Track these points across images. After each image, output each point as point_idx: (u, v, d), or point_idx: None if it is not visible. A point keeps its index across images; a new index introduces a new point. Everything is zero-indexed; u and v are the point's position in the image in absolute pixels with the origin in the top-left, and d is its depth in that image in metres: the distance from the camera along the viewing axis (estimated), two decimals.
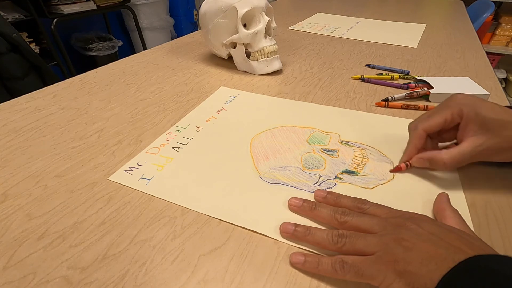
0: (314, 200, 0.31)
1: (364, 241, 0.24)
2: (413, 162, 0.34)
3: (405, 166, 0.34)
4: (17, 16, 1.55)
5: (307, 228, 0.27)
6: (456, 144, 0.33)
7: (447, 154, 0.32)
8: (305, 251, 0.27)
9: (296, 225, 0.28)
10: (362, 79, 0.59)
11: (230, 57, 0.65)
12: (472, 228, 0.29)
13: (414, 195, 0.33)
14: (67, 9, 1.73)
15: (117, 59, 0.70)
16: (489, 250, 0.22)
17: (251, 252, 0.27)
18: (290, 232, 0.27)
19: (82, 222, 0.29)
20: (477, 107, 0.31)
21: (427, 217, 0.26)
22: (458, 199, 0.32)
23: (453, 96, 0.33)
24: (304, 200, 0.30)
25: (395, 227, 0.24)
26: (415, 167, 0.35)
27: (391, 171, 0.35)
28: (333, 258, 0.24)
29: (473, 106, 0.31)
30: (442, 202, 0.29)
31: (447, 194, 0.30)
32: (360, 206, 0.28)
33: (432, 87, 0.52)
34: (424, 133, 0.33)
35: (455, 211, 0.28)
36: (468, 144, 0.31)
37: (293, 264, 0.25)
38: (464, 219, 0.29)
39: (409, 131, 0.35)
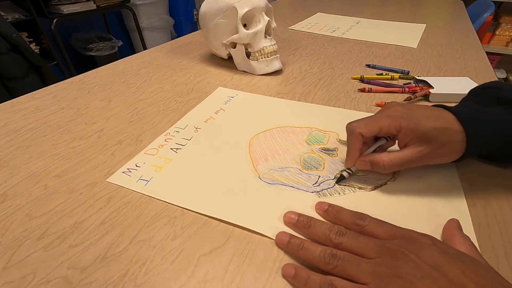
0: (316, 207, 0.31)
1: (356, 268, 0.23)
2: (357, 165, 0.34)
3: (347, 175, 0.34)
4: (17, 16, 1.55)
5: (301, 242, 0.26)
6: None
7: (387, 156, 0.32)
8: (297, 264, 0.26)
9: (291, 237, 0.27)
10: (362, 79, 0.59)
11: (230, 57, 0.65)
12: (472, 228, 0.29)
13: (413, 195, 0.33)
14: (67, 9, 1.73)
15: (117, 59, 0.70)
16: (498, 280, 0.21)
17: (251, 252, 0.27)
18: (284, 243, 0.27)
19: (82, 222, 0.30)
20: (415, 119, 0.31)
21: (430, 241, 0.24)
22: (458, 199, 0.32)
23: (391, 106, 0.34)
24: (300, 215, 0.29)
25: (391, 255, 0.23)
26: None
27: (337, 183, 0.34)
28: (323, 279, 0.23)
29: (411, 119, 0.31)
30: (452, 228, 0.28)
31: (457, 220, 0.29)
32: (358, 223, 0.27)
33: (432, 87, 0.52)
34: (361, 137, 0.33)
35: (466, 237, 0.26)
36: (409, 151, 0.32)
37: (284, 276, 0.25)
38: (465, 219, 0.29)
39: (347, 132, 0.34)
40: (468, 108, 0.33)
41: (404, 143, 0.32)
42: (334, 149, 0.40)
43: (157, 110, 0.49)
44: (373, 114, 0.47)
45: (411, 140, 0.32)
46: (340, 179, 0.34)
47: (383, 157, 0.32)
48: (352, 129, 0.33)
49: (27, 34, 1.59)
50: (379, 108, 0.50)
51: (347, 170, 0.35)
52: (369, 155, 0.34)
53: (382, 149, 0.35)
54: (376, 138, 0.35)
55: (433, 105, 0.34)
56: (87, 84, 0.58)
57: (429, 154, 0.31)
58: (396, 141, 0.34)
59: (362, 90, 0.55)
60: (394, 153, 0.32)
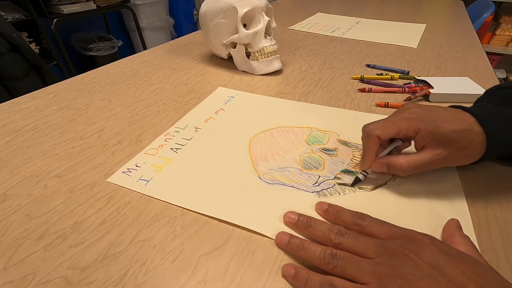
0: (316, 207, 0.31)
1: (357, 268, 0.23)
2: (373, 167, 0.34)
3: (363, 177, 0.34)
4: (17, 16, 1.55)
5: (301, 241, 0.26)
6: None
7: (404, 159, 0.32)
8: (297, 264, 0.26)
9: (291, 237, 0.27)
10: (362, 79, 0.59)
11: (230, 57, 0.65)
12: (472, 228, 0.29)
13: (413, 195, 0.33)
14: (67, 9, 1.73)
15: (117, 59, 0.70)
16: (498, 280, 0.21)
17: (251, 252, 0.27)
18: (284, 243, 0.27)
19: (82, 222, 0.30)
20: (434, 121, 0.31)
21: (430, 241, 0.24)
22: (458, 199, 0.32)
23: (409, 108, 0.33)
24: (300, 215, 0.29)
25: (391, 255, 0.23)
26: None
27: (352, 185, 0.34)
28: (323, 279, 0.23)
29: (431, 122, 0.31)
30: (452, 228, 0.28)
31: (457, 220, 0.28)
32: (358, 223, 0.27)
33: (432, 87, 0.52)
34: (378, 139, 0.32)
35: (466, 237, 0.26)
36: (427, 153, 0.31)
37: (284, 276, 0.25)
38: (465, 219, 0.29)
39: (363, 135, 0.34)
40: (486, 109, 0.32)
41: (422, 145, 0.32)
42: (334, 149, 0.40)
43: (157, 110, 0.49)
44: (372, 114, 0.47)
45: (429, 142, 0.31)
46: (355, 182, 0.34)
47: (400, 159, 0.32)
48: (369, 131, 0.33)
49: (27, 34, 1.60)
50: (379, 108, 0.50)
51: (363, 173, 0.34)
52: (385, 157, 0.34)
53: (397, 150, 0.35)
54: (391, 139, 0.35)
55: (450, 106, 0.34)
56: (87, 84, 0.58)
57: (448, 157, 0.31)
58: (412, 143, 0.34)
59: (362, 90, 0.55)
60: (412, 155, 0.32)
